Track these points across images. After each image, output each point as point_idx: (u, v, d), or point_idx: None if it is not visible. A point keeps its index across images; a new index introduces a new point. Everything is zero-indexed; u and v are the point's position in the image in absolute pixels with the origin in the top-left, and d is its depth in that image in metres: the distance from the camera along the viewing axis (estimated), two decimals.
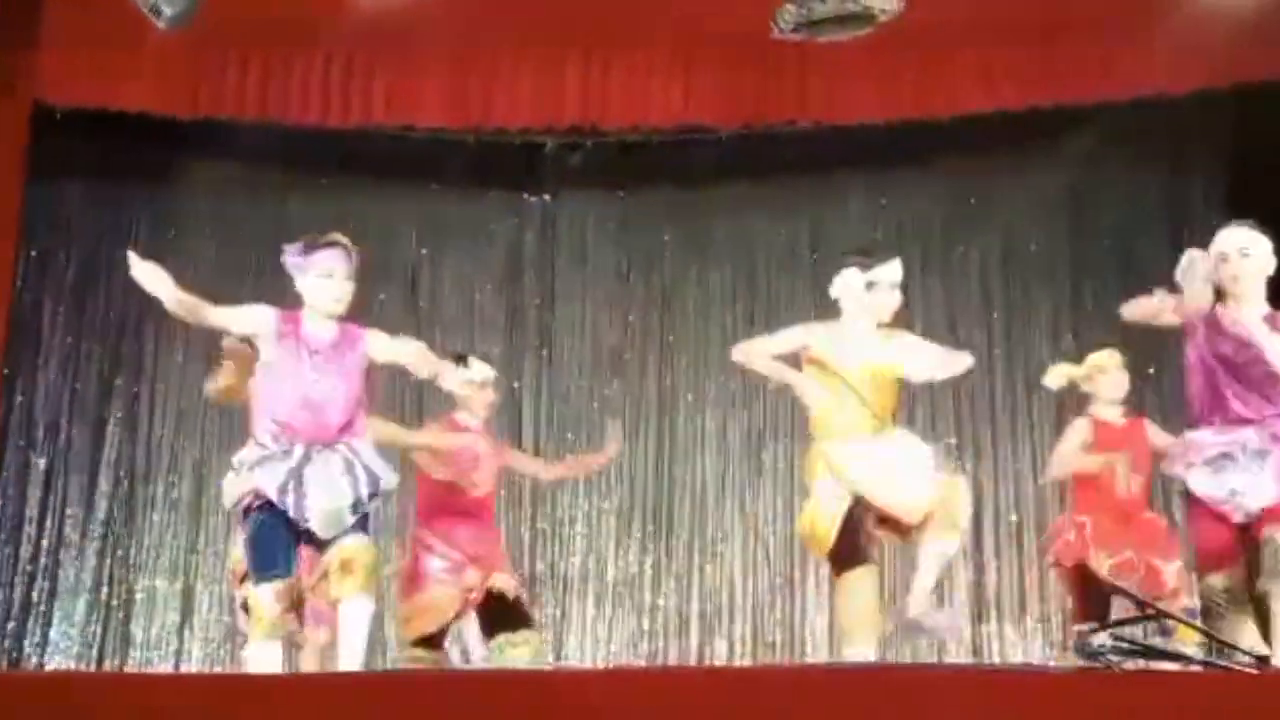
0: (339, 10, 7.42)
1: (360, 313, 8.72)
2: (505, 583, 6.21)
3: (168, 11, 6.44)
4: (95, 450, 8.60)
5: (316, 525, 5.24)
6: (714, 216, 9.08)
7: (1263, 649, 5.05)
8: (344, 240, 5.51)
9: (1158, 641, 5.45)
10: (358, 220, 8.94)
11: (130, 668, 8.22)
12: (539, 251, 9.06)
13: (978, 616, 8.46)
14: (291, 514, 5.21)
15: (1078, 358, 6.99)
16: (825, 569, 8.49)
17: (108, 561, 8.52)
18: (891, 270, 5.79)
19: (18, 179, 7.03)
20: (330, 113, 7.80)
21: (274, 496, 5.21)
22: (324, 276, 5.45)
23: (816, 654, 8.34)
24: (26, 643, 8.31)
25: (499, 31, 7.77)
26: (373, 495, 5.38)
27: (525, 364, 8.92)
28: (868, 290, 5.76)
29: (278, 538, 5.27)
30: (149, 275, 5.23)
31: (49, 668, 8.16)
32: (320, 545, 5.32)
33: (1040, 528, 8.63)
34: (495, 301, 9.02)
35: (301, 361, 5.38)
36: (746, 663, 8.34)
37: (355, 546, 5.25)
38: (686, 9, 7.54)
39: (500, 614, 6.16)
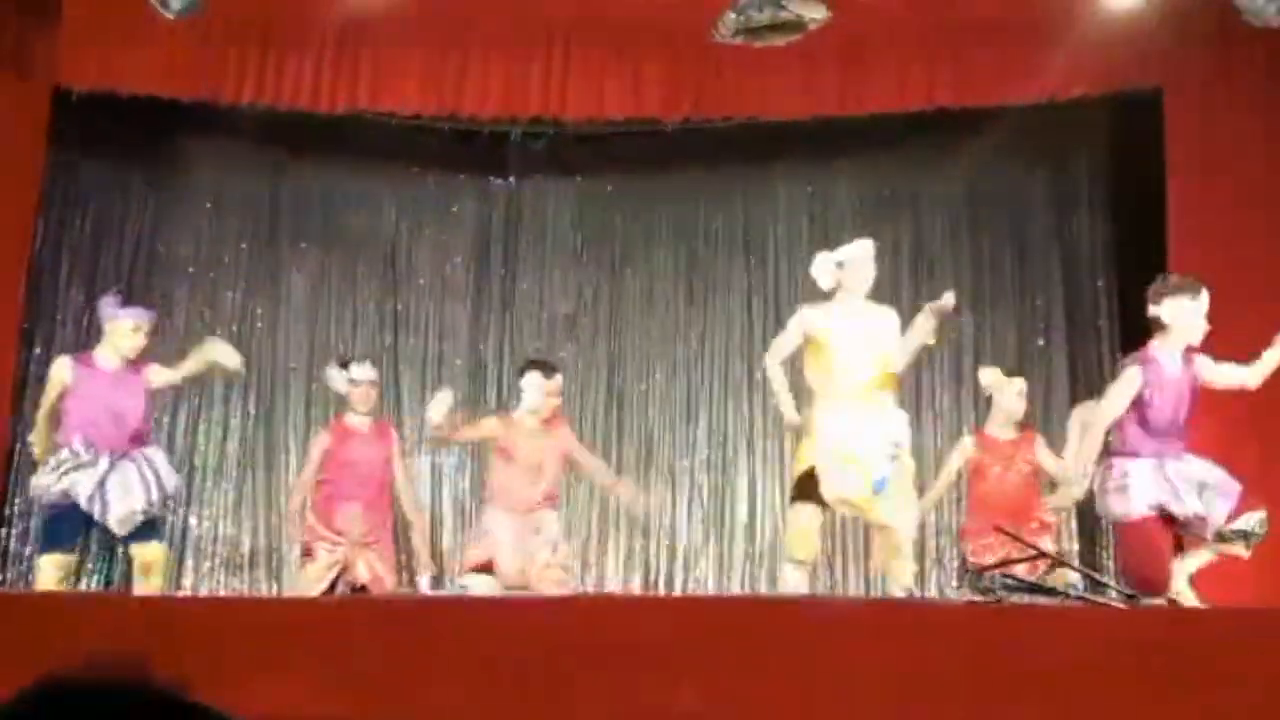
0: (330, 7, 7.41)
1: (342, 280, 8.81)
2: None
3: (175, 4, 6.38)
4: None
5: (115, 525, 5.65)
6: (659, 201, 9.15)
7: None
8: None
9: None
10: (342, 197, 8.96)
11: None
12: (503, 230, 9.07)
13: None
14: (96, 518, 5.62)
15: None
16: (760, 523, 8.56)
17: None
18: (857, 248, 6.00)
19: (39, 154, 6.97)
20: (320, 99, 7.77)
21: (83, 504, 5.61)
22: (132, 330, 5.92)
23: None
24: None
25: (472, 29, 7.80)
26: (163, 499, 5.88)
27: (490, 329, 8.93)
28: (840, 269, 5.91)
29: (72, 523, 5.71)
30: None
31: None
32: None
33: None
34: (464, 273, 9.02)
35: (98, 384, 5.80)
36: None
37: (153, 549, 5.76)
38: (636, 12, 7.57)
39: None
